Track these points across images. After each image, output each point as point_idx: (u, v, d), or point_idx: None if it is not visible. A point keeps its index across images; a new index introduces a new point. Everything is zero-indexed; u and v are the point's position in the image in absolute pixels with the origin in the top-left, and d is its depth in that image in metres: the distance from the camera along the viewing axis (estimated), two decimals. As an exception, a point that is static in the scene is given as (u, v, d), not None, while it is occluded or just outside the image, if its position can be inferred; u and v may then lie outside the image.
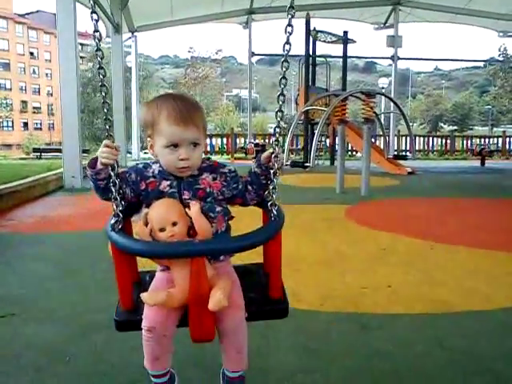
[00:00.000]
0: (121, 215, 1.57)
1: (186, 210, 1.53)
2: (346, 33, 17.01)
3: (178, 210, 1.53)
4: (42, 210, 6.94)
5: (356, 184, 8.80)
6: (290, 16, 1.56)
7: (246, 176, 1.71)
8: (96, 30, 1.53)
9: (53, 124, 63.62)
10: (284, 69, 1.61)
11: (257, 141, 20.95)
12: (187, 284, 1.47)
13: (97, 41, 1.54)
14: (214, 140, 21.90)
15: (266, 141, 21.26)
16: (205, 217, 1.54)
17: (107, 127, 1.57)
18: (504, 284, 3.48)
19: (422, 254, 4.33)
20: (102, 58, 1.55)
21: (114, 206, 1.57)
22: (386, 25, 21.59)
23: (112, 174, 1.56)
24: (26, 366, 2.22)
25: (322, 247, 4.58)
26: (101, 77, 1.56)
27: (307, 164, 11.33)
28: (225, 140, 21.94)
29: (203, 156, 1.66)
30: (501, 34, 23.73)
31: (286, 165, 13.77)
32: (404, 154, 20.12)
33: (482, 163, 17.58)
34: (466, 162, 20.45)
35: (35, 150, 27.59)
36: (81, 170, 9.49)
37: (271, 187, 1.65)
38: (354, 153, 21.27)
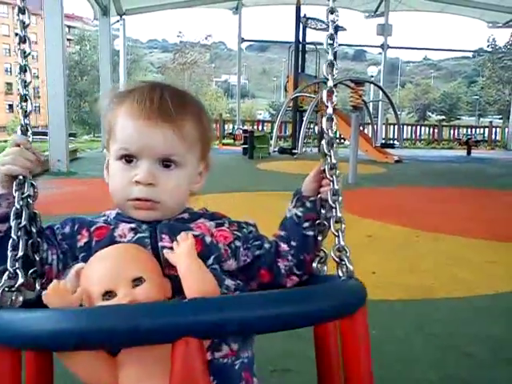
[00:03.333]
0: (21, 279, 0.84)
1: (167, 252, 0.87)
2: (336, 20, 16.93)
3: (144, 258, 0.85)
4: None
5: (343, 171, 8.75)
6: None
7: (277, 232, 1.03)
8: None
9: (39, 107, 62.83)
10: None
11: (245, 127, 20.89)
12: None
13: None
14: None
15: (255, 127, 21.23)
16: None
17: (24, 119, 0.97)
18: (485, 272, 3.54)
19: (407, 242, 4.38)
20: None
21: (9, 261, 0.84)
22: (377, 13, 21.56)
23: (17, 204, 0.87)
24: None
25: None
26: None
27: (295, 151, 11.37)
28: (213, 126, 21.88)
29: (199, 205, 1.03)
30: (490, 24, 23.85)
31: (274, 151, 13.80)
32: (392, 142, 20.23)
33: (469, 153, 17.74)
34: (452, 151, 20.63)
35: (21, 133, 27.23)
36: (67, 154, 9.41)
37: (333, 222, 0.96)
38: (342, 140, 21.34)
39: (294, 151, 11.26)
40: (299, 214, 0.99)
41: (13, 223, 0.85)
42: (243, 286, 0.95)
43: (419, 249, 4.15)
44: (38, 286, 0.90)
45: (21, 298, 0.84)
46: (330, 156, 0.98)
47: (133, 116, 0.91)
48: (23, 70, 0.99)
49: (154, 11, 21.30)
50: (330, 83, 1.00)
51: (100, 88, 14.53)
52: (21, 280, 0.83)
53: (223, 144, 19.38)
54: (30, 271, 0.89)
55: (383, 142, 17.89)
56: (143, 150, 0.91)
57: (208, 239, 0.92)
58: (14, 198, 0.88)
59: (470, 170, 12.26)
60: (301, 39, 16.72)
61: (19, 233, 0.86)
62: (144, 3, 19.67)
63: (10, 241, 0.84)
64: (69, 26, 47.61)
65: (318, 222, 0.98)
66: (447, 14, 25.17)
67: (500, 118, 46.58)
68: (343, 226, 0.95)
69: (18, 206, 0.87)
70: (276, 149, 12.13)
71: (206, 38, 53.40)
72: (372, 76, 35.85)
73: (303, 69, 17.26)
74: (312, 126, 17.24)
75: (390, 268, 3.56)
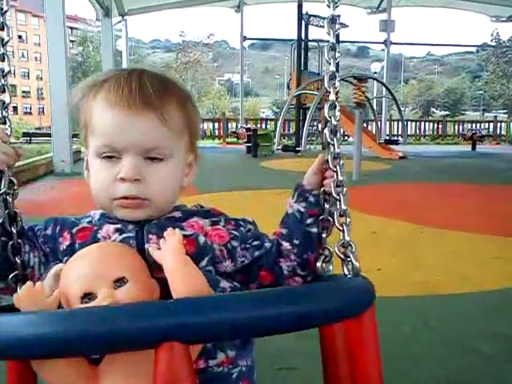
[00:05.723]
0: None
1: (152, 249, 0.79)
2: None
3: (127, 257, 0.78)
4: (32, 194, 6.88)
5: (348, 168, 8.72)
6: None
7: (278, 230, 0.95)
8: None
9: (43, 108, 62.93)
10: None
11: (248, 125, 20.88)
12: None
13: None
14: (205, 124, 21.81)
15: (258, 125, 21.21)
16: None
17: (0, 107, 0.88)
18: (491, 267, 3.51)
19: (411, 238, 4.35)
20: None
21: None
22: (379, 9, 21.48)
23: None
24: None
25: (313, 231, 4.59)
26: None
27: (299, 148, 11.34)
28: (216, 125, 21.87)
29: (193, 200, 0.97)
30: (493, 19, 23.72)
31: (278, 149, 13.78)
32: (396, 138, 20.16)
33: (473, 148, 17.67)
34: (457, 146, 20.55)
35: (25, 135, 27.35)
36: (70, 155, 9.43)
37: (337, 214, 0.89)
38: (346, 137, 21.28)
39: (297, 149, 11.23)
40: (302, 209, 0.91)
41: None
42: (241, 288, 0.87)
43: (424, 245, 4.13)
44: (16, 284, 0.83)
45: None
46: (334, 145, 0.90)
47: (110, 106, 0.81)
48: (0, 58, 0.88)
49: (156, 11, 21.32)
50: (332, 68, 0.92)
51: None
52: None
53: (227, 143, 19.38)
54: (11, 275, 0.83)
55: (387, 138, 17.82)
56: (126, 143, 0.81)
57: (202, 239, 0.83)
58: None
59: (474, 165, 12.20)
60: (303, 37, 16.69)
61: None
62: (146, 3, 19.69)
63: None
64: (71, 28, 47.73)
65: (321, 217, 0.90)
66: (450, 9, 25.08)
67: (505, 113, 46.40)
68: (348, 219, 0.86)
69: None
70: (279, 147, 12.10)
71: (209, 37, 53.51)
72: (375, 72, 35.75)
73: (306, 66, 17.24)
74: (315, 124, 17.21)
75: (395, 264, 3.54)
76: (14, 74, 64.80)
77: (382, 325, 2.69)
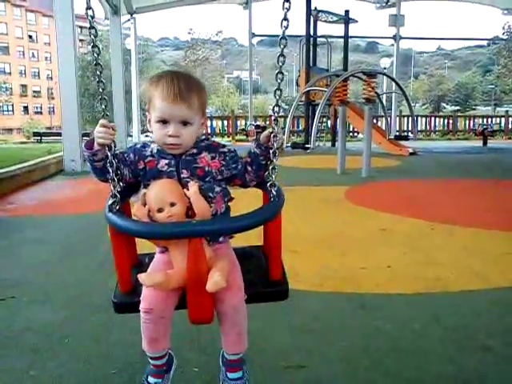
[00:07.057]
0: (118, 196, 1.55)
1: (184, 190, 1.51)
2: (347, 12, 16.77)
3: (176, 191, 1.50)
4: (43, 193, 6.95)
5: (357, 165, 8.77)
6: None
7: (246, 157, 1.67)
8: (92, 27, 1.53)
9: (53, 108, 63.27)
10: (282, 46, 1.55)
11: (258, 123, 20.82)
12: (185, 265, 1.45)
13: (93, 33, 1.53)
14: (214, 122, 21.79)
15: (267, 123, 21.15)
16: (203, 197, 1.52)
17: (103, 107, 1.55)
18: (503, 264, 3.48)
19: (422, 235, 4.33)
20: (95, 36, 1.53)
21: (112, 187, 1.55)
22: (388, 3, 21.27)
23: (109, 154, 1.53)
24: (25, 347, 2.24)
25: (323, 228, 4.58)
26: (95, 55, 1.53)
27: (308, 145, 11.26)
28: (226, 122, 21.83)
29: (203, 136, 1.66)
30: (505, 11, 23.37)
31: (287, 146, 13.73)
32: (406, 134, 20.01)
33: (485, 143, 17.48)
34: (468, 142, 20.35)
35: (35, 134, 27.59)
36: (81, 154, 9.44)
37: (271, 167, 1.62)
38: (356, 134, 21.18)
39: (307, 146, 11.18)
40: (257, 151, 1.65)
41: (108, 165, 1.54)
42: (225, 187, 1.65)
43: (435, 241, 4.10)
44: (121, 183, 1.58)
45: (118, 207, 1.54)
46: (274, 129, 1.60)
47: (164, 98, 1.54)
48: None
49: (165, 9, 21.29)
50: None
51: (112, 88, 14.56)
52: (119, 196, 1.55)
53: (236, 140, 19.35)
54: (117, 180, 1.57)
55: (397, 134, 17.70)
56: (172, 118, 1.55)
57: (206, 168, 1.60)
58: (107, 149, 1.52)
59: (486, 160, 12.08)
60: (312, 32, 16.60)
61: (112, 167, 1.54)
62: (154, 1, 19.69)
63: (108, 164, 1.54)
64: (81, 27, 47.83)
65: (267, 156, 1.63)
66: (460, 2, 24.79)
67: (516, 107, 45.81)
68: (276, 159, 1.63)
69: (110, 158, 1.53)
70: (289, 144, 12.04)
71: (217, 34, 53.38)
72: (385, 68, 35.48)
73: (315, 62, 17.13)
74: (325, 120, 17.13)
75: (405, 261, 3.52)
76: (25, 73, 65.36)
77: (391, 321, 2.70)
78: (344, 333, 2.37)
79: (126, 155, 1.60)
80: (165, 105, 1.54)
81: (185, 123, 1.56)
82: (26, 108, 64.73)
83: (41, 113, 65.06)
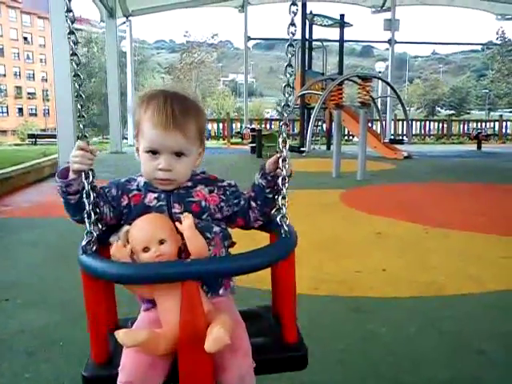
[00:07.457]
0: (95, 234, 1.27)
1: (177, 224, 1.25)
2: (342, 16, 16.84)
3: (166, 226, 1.25)
4: (37, 195, 6.92)
5: (352, 169, 8.79)
6: None
7: (249, 191, 1.41)
8: (71, 32, 1.36)
9: (48, 110, 63.15)
10: (290, 55, 1.33)
11: (253, 126, 20.86)
12: (177, 318, 1.15)
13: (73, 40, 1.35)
14: (210, 125, 21.80)
15: (263, 126, 21.19)
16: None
17: (81, 126, 1.30)
18: (497, 268, 3.50)
19: (416, 238, 4.34)
20: (75, 44, 1.33)
21: (87, 224, 1.27)
22: (384, 8, 21.38)
23: (85, 183, 1.27)
24: (18, 350, 2.23)
25: (318, 231, 4.58)
26: (74, 65, 1.30)
27: (303, 149, 11.31)
28: (221, 125, 21.86)
29: (198, 169, 1.41)
30: (499, 17, 23.57)
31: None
32: (400, 138, 20.09)
33: (479, 147, 17.57)
34: (462, 146, 20.44)
35: (30, 136, 27.47)
36: (76, 156, 9.45)
37: (280, 197, 1.35)
38: (351, 137, 21.24)
39: (302, 149, 11.21)
40: (263, 183, 1.38)
41: (84, 197, 1.27)
42: (225, 229, 1.38)
43: (429, 245, 4.12)
44: (99, 226, 1.31)
45: (94, 247, 1.26)
46: (283, 151, 1.35)
47: (155, 125, 1.28)
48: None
49: (160, 11, 21.30)
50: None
51: (108, 90, 14.55)
52: (95, 235, 1.26)
53: (231, 143, 19.37)
54: (95, 217, 1.29)
55: (392, 137, 17.76)
56: (164, 149, 1.30)
57: (203, 203, 1.34)
58: (84, 178, 1.27)
59: (480, 164, 12.14)
60: (307, 36, 16.66)
61: (88, 200, 1.27)
62: (150, 4, 19.69)
63: (84, 196, 1.27)
64: (76, 29, 47.81)
65: (275, 187, 1.37)
66: (455, 7, 24.94)
67: (510, 112, 46.16)
68: (287, 200, 1.36)
69: (87, 188, 1.27)
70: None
71: (213, 37, 53.34)
72: (380, 72, 35.63)
73: (310, 66, 17.20)
74: (320, 124, 17.17)
75: (400, 265, 3.53)
76: (20, 75, 65.17)
77: (386, 325, 2.70)
78: (339, 336, 2.37)
79: (106, 190, 1.35)
80: (155, 133, 1.28)
81: (179, 154, 1.31)
82: (20, 110, 64.51)
83: (35, 115, 64.86)
